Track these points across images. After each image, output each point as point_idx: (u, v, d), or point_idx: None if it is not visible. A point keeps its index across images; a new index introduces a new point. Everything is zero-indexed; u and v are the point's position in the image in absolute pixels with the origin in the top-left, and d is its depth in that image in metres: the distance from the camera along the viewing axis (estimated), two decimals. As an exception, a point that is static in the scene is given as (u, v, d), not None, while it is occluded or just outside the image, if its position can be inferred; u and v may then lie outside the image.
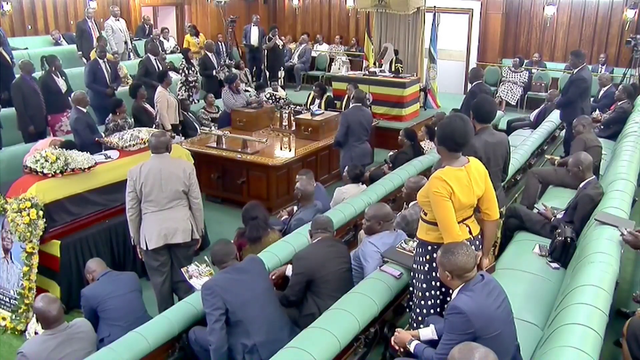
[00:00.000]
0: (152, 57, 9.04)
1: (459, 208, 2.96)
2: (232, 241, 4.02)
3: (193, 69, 9.84)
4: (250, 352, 3.24)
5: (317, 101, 8.63)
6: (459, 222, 3.01)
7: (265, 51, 11.47)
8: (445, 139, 3.03)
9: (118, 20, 10.59)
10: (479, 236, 3.18)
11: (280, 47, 11.67)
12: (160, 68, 8.78)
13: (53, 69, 7.59)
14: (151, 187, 4.05)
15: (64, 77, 7.77)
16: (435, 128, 6.80)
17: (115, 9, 10.68)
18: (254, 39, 11.99)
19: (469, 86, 7.96)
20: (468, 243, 3.01)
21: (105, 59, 8.44)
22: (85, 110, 6.32)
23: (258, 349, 3.22)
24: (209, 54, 10.17)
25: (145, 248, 4.15)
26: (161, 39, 11.86)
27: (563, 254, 4.05)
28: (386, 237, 3.89)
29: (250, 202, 4.66)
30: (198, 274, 3.82)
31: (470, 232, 3.09)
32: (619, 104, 7.64)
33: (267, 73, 11.45)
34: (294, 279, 3.64)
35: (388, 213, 3.98)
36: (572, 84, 6.77)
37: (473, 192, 3.01)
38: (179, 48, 11.95)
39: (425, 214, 3.09)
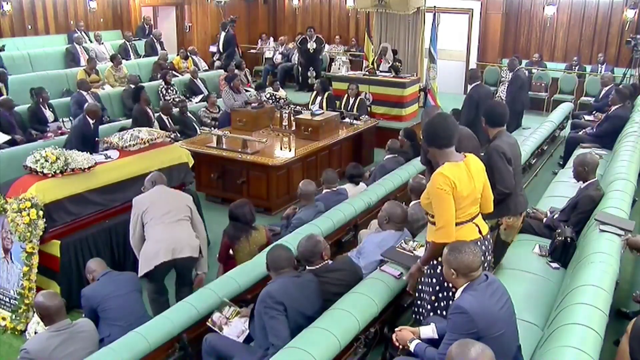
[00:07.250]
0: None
1: (462, 202, 2.96)
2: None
3: (172, 89, 9.48)
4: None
5: (319, 98, 8.64)
6: (467, 221, 3.02)
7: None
8: (432, 138, 3.05)
9: (102, 44, 11.12)
10: (488, 236, 3.19)
11: (312, 50, 11.78)
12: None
13: (41, 100, 7.66)
14: (157, 207, 4.07)
15: (51, 109, 7.80)
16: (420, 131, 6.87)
17: (97, 35, 11.24)
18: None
19: (469, 87, 7.98)
20: (478, 243, 3.02)
21: (89, 92, 8.24)
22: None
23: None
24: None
25: (152, 267, 3.97)
26: (162, 39, 11.92)
27: (563, 254, 4.06)
28: (390, 237, 3.94)
29: (238, 201, 4.63)
30: (226, 319, 3.47)
31: (479, 232, 3.09)
32: (613, 108, 7.13)
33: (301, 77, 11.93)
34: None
35: (397, 214, 4.00)
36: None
37: (475, 186, 3.02)
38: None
39: (432, 217, 3.07)
